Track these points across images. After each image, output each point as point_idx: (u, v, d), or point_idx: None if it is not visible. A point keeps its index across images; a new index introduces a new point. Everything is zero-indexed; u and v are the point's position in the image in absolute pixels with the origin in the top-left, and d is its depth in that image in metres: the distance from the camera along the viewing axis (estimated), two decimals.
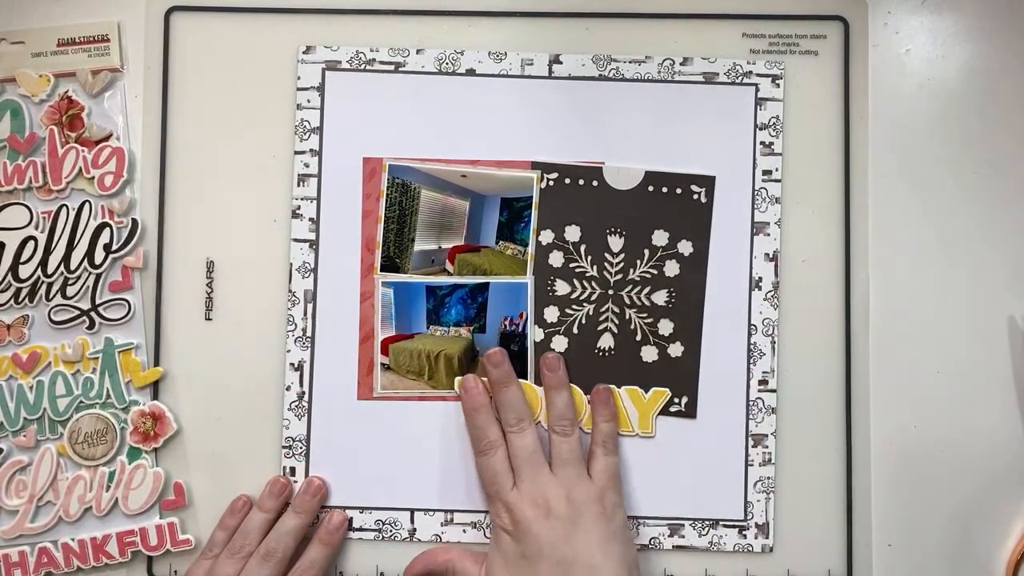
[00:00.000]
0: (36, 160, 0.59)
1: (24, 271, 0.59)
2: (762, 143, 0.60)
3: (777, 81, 0.60)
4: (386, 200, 0.60)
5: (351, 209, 0.60)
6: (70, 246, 0.59)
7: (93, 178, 0.59)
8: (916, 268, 0.60)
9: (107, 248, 0.59)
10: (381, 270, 0.60)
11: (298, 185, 0.60)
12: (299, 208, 0.60)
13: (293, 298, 0.60)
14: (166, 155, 0.60)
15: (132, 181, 0.60)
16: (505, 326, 0.60)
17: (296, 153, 0.60)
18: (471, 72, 0.60)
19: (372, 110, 0.60)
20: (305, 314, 0.59)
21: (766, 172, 0.60)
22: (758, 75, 0.60)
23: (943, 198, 0.60)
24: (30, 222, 0.59)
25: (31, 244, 0.59)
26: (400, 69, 0.60)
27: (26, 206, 0.59)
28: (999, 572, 0.59)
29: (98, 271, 0.59)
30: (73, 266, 0.59)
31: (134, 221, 0.59)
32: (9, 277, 0.59)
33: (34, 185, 0.60)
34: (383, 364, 0.60)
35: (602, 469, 0.56)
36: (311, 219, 0.60)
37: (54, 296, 0.59)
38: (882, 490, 0.59)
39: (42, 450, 0.59)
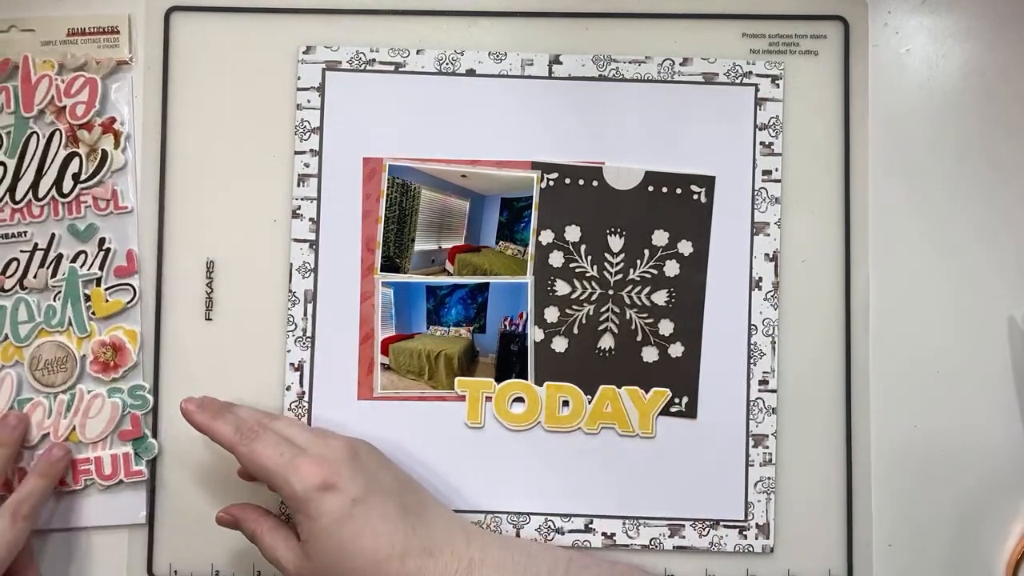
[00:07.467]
0: (8, 86, 0.59)
1: None
2: (762, 143, 0.60)
3: (777, 81, 0.60)
4: (386, 200, 0.60)
5: (351, 209, 0.60)
6: (39, 174, 0.59)
7: (65, 107, 0.59)
8: (916, 268, 0.60)
9: (75, 178, 0.59)
10: (381, 270, 0.60)
11: (298, 185, 0.60)
12: (299, 208, 0.60)
13: (293, 298, 0.60)
14: (166, 155, 0.60)
15: (116, 137, 0.60)
16: (505, 326, 0.60)
17: (296, 153, 0.60)
18: (471, 72, 0.60)
19: (372, 110, 0.60)
20: (305, 314, 0.59)
21: (766, 172, 0.60)
22: (758, 75, 0.60)
23: (943, 198, 0.60)
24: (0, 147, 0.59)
25: (0, 169, 0.59)
26: (400, 69, 0.60)
27: None
28: (999, 572, 0.59)
29: (66, 200, 0.59)
30: (41, 194, 0.59)
31: (103, 152, 0.59)
32: None
33: (5, 111, 0.59)
34: (383, 364, 0.60)
35: None
36: (311, 219, 0.60)
37: None
38: (882, 490, 0.59)
39: (2, 375, 0.59)
